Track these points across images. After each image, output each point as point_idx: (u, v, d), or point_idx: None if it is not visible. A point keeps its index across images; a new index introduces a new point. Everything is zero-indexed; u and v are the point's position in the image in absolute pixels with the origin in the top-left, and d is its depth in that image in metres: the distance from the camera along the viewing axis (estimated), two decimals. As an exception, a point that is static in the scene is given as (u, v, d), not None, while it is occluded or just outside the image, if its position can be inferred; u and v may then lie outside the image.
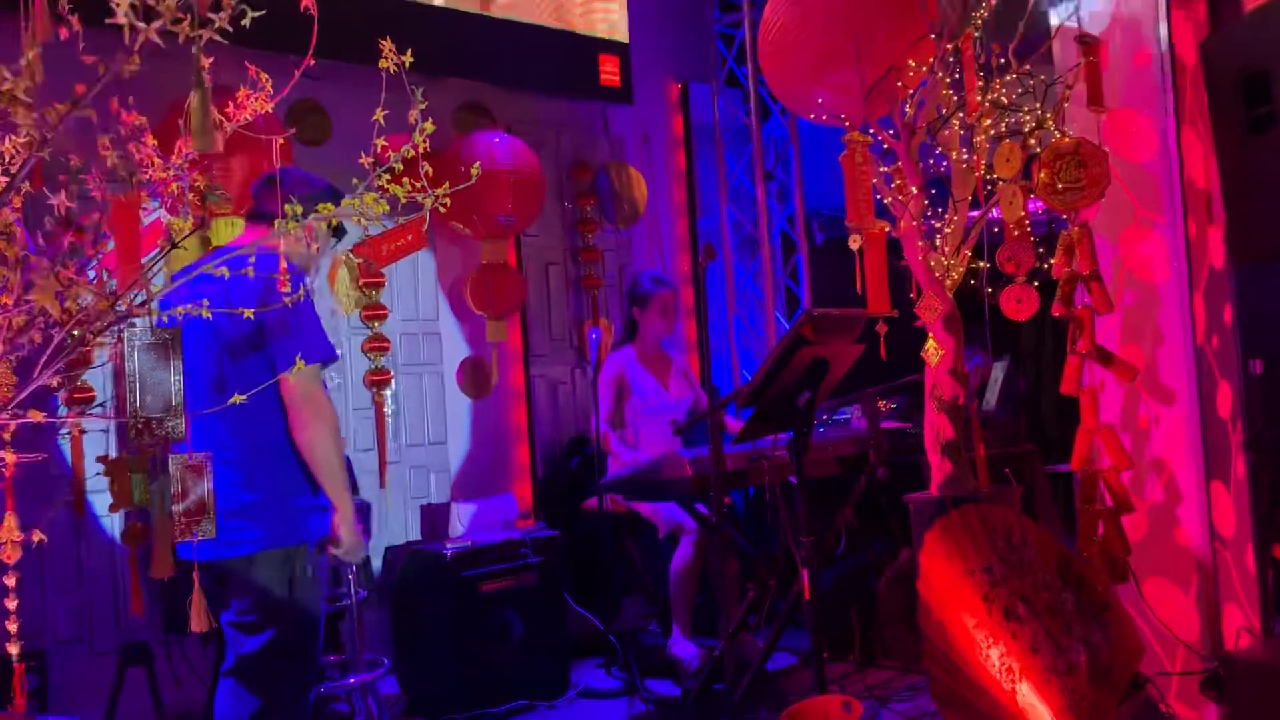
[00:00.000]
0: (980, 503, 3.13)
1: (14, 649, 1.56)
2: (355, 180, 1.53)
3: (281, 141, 1.87)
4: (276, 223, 1.57)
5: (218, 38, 1.21)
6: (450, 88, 4.72)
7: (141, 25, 1.14)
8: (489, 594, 4.07)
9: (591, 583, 4.67)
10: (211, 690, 3.64)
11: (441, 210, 1.56)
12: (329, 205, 1.51)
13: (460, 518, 4.33)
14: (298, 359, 1.99)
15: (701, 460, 3.80)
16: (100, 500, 3.87)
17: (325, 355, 2.61)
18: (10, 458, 1.46)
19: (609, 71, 5.26)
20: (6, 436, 1.57)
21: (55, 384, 1.51)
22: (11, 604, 1.55)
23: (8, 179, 1.33)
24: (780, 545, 3.93)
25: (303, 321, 2.58)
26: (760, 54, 3.86)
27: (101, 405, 3.48)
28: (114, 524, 3.93)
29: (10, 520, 1.50)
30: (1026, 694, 2.75)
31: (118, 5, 1.11)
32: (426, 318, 4.91)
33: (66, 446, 3.67)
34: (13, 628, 1.55)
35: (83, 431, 3.56)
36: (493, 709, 4.01)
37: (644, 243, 5.78)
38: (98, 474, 3.69)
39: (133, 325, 1.40)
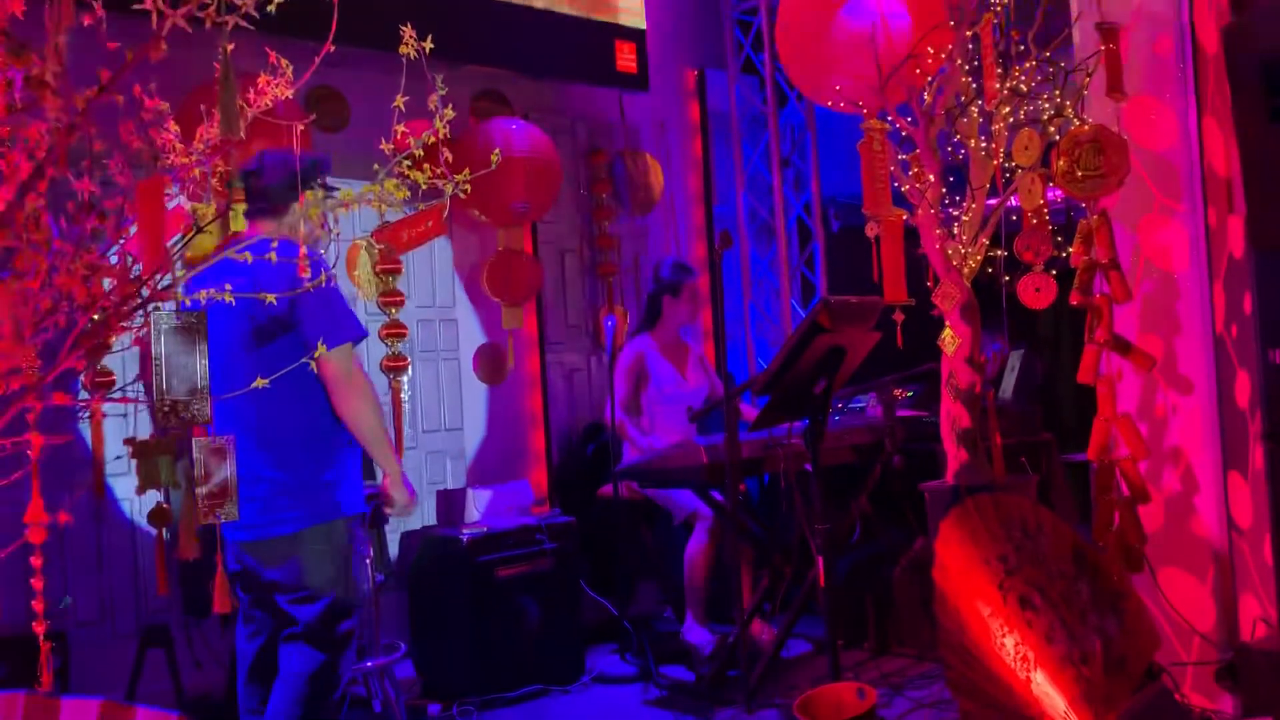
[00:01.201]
0: (996, 491, 3.12)
1: (40, 629, 1.58)
2: (376, 166, 1.54)
3: (302, 127, 1.88)
4: (294, 208, 1.58)
5: (244, 24, 1.22)
6: (467, 74, 4.72)
7: (169, 11, 1.15)
8: (505, 579, 4.10)
9: (606, 569, 4.69)
10: (231, 672, 3.68)
11: (462, 197, 1.57)
12: (349, 192, 1.52)
13: (476, 503, 4.35)
14: (319, 344, 2.04)
15: (717, 448, 3.81)
16: (120, 483, 3.90)
17: (357, 333, 2.76)
18: (37, 440, 1.48)
19: (626, 58, 5.25)
20: (32, 419, 1.58)
21: (79, 367, 1.53)
22: (37, 585, 1.58)
23: (33, 164, 1.35)
24: (795, 533, 3.93)
25: (332, 303, 2.71)
26: (778, 40, 3.85)
27: (122, 390, 3.51)
28: (134, 507, 3.96)
29: (36, 502, 1.52)
30: (1041, 682, 2.75)
31: (145, -8, 1.12)
32: (443, 304, 4.93)
33: (87, 430, 3.70)
34: (38, 608, 1.57)
35: (104, 415, 3.59)
36: (508, 693, 4.03)
37: (660, 230, 5.78)
38: (119, 457, 3.73)
39: (158, 309, 1.42)
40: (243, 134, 1.33)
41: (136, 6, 1.19)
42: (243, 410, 2.67)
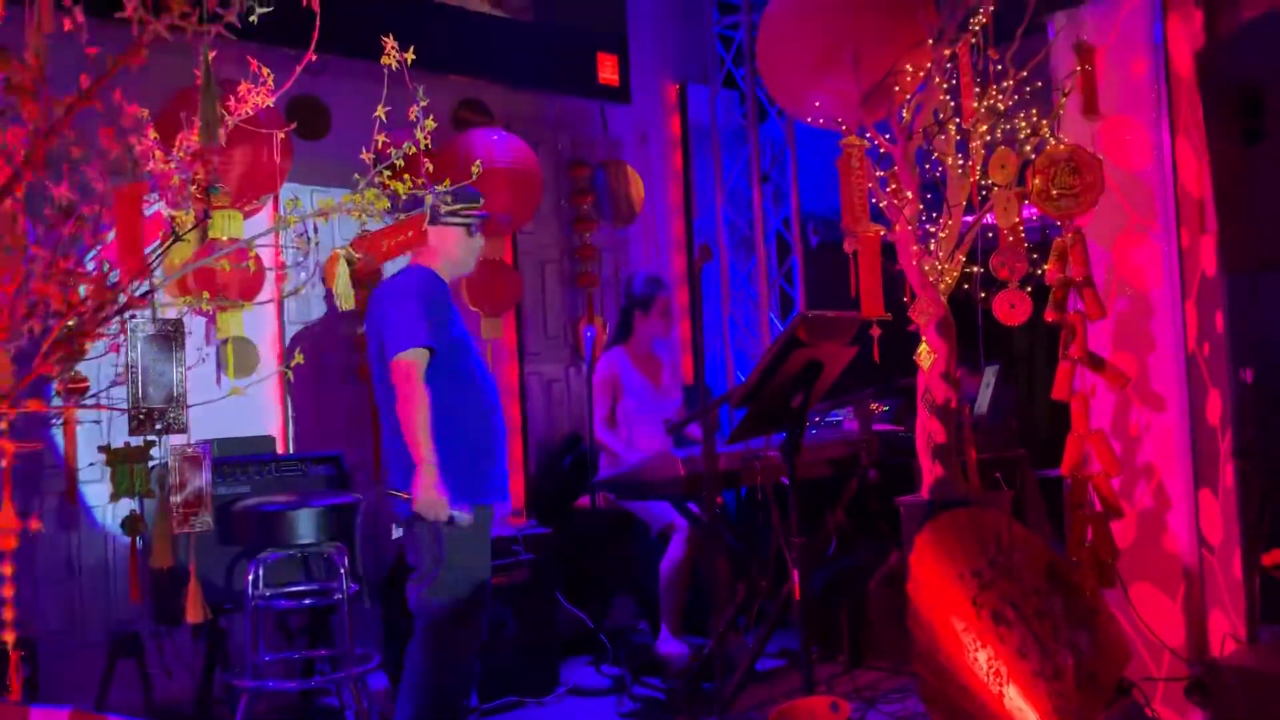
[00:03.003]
0: (970, 506, 3.14)
1: (9, 637, 1.57)
2: (357, 176, 1.54)
3: (282, 136, 1.88)
4: (275, 218, 1.58)
5: (226, 34, 1.22)
6: (449, 84, 4.72)
7: (151, 19, 1.15)
8: (480, 590, 4.08)
9: (583, 581, 4.68)
10: (207, 682, 3.65)
11: (443, 206, 1.57)
12: (330, 201, 1.52)
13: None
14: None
15: (694, 459, 3.81)
16: (93, 490, 3.86)
17: (409, 343, 3.12)
18: (9, 447, 1.47)
19: (608, 71, 5.27)
20: (4, 425, 1.57)
21: (53, 373, 1.52)
22: (7, 592, 1.56)
23: (11, 168, 1.34)
24: (771, 546, 3.94)
25: (403, 314, 3.14)
26: (759, 57, 3.88)
27: (95, 396, 3.48)
28: (106, 514, 3.93)
29: (8, 508, 1.50)
30: (1013, 697, 2.77)
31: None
32: (422, 314, 4.91)
33: (60, 437, 3.66)
34: (8, 616, 1.55)
35: (78, 422, 3.56)
36: (482, 705, 4.01)
37: (640, 242, 5.79)
38: (92, 464, 3.70)
39: (134, 316, 1.41)
40: (223, 141, 1.33)
41: (119, 15, 1.19)
42: (385, 403, 3.26)
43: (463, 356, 3.29)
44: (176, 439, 1.64)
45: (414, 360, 3.12)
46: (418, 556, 3.22)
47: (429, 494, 3.11)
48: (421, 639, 3.23)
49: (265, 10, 1.26)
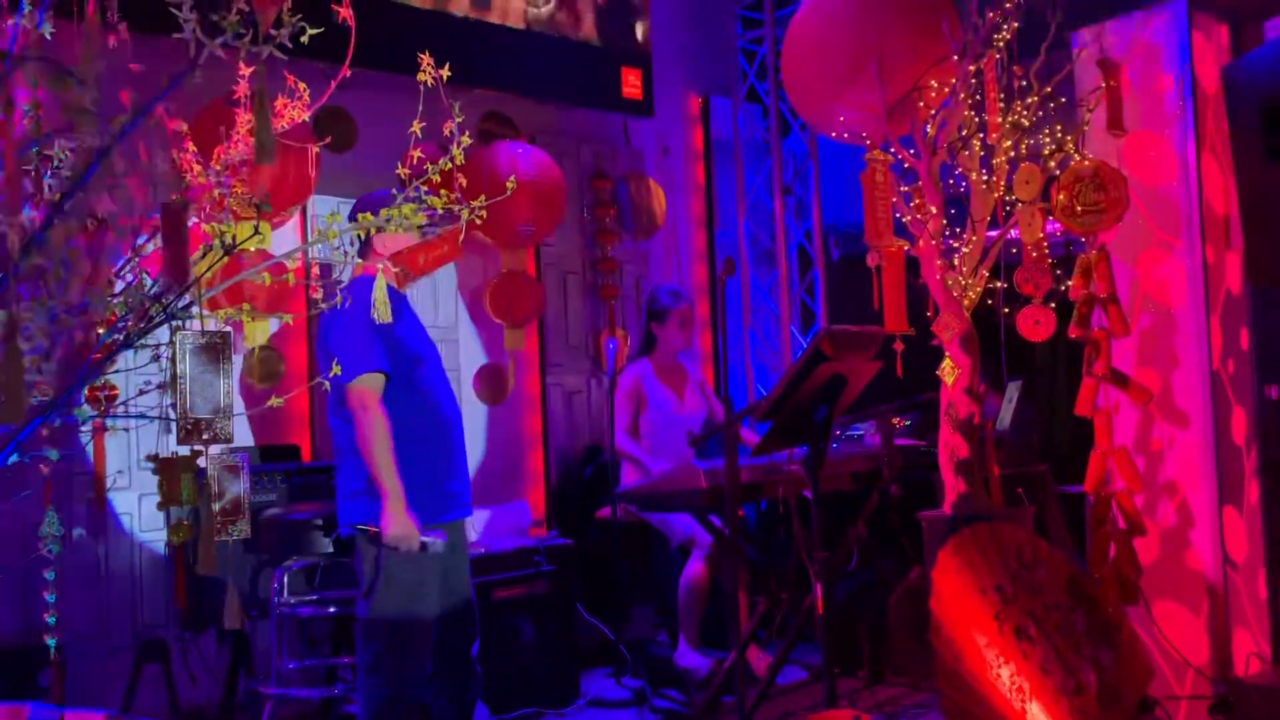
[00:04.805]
0: (993, 522, 3.14)
1: (50, 640, 1.59)
2: (395, 191, 1.57)
3: (316, 150, 1.91)
4: (306, 230, 1.60)
5: (277, 53, 1.25)
6: (474, 98, 4.75)
7: (207, 40, 1.18)
8: (501, 601, 4.09)
9: (603, 592, 4.69)
10: (231, 688, 3.68)
11: (478, 222, 1.59)
12: (368, 215, 1.54)
13: (474, 524, 4.35)
14: (334, 365, 2.13)
15: (716, 472, 3.82)
16: (120, 498, 3.91)
17: (366, 368, 2.95)
18: (52, 455, 1.50)
19: (631, 84, 5.30)
20: (46, 433, 1.60)
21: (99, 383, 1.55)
22: (48, 596, 1.59)
23: (60, 182, 1.37)
24: (792, 559, 3.94)
25: (350, 336, 2.94)
26: (783, 70, 3.90)
27: (124, 405, 3.52)
28: (134, 522, 3.97)
29: (52, 515, 1.53)
30: (1036, 714, 2.76)
31: (185, 22, 1.15)
32: (445, 324, 4.95)
33: (87, 444, 3.71)
34: (51, 619, 1.58)
35: (105, 430, 3.60)
36: (502, 716, 4.02)
37: (662, 254, 5.81)
38: (120, 471, 3.75)
39: (180, 328, 1.44)
40: (274, 159, 1.36)
41: (176, 36, 1.22)
42: (339, 428, 3.10)
43: (416, 368, 3.10)
44: (214, 448, 1.67)
45: (368, 388, 2.94)
46: (360, 575, 3.06)
47: (398, 527, 2.92)
48: (362, 663, 3.03)
49: (316, 31, 1.29)
